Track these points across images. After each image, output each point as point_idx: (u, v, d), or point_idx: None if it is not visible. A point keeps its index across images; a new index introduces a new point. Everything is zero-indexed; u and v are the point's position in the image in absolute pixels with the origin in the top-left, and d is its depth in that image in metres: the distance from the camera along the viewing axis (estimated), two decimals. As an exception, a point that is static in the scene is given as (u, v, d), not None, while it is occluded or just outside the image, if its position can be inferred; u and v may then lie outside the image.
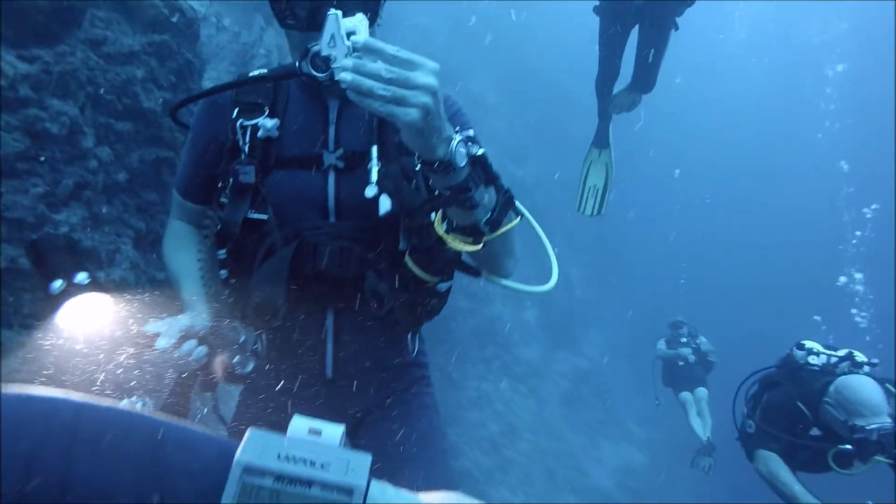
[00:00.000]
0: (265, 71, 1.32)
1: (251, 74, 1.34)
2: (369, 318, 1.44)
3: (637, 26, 4.15)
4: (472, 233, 1.23)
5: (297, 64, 1.19)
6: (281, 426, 1.43)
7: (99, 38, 2.51)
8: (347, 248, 1.38)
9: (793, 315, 14.93)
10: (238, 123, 1.41)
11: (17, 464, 0.44)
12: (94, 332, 1.16)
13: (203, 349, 1.30)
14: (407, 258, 1.37)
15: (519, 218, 1.34)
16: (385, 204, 1.33)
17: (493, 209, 1.23)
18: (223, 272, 1.45)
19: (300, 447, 0.54)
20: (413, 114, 1.02)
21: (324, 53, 1.10)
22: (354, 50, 1.04)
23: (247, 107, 1.43)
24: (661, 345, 7.96)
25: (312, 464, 0.53)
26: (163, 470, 0.48)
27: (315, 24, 1.31)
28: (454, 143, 1.12)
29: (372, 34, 1.19)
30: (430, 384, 1.67)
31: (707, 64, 22.53)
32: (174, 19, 2.87)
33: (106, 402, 0.49)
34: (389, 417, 1.54)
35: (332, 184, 1.40)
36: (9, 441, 0.45)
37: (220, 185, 1.43)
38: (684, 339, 7.83)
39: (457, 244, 1.24)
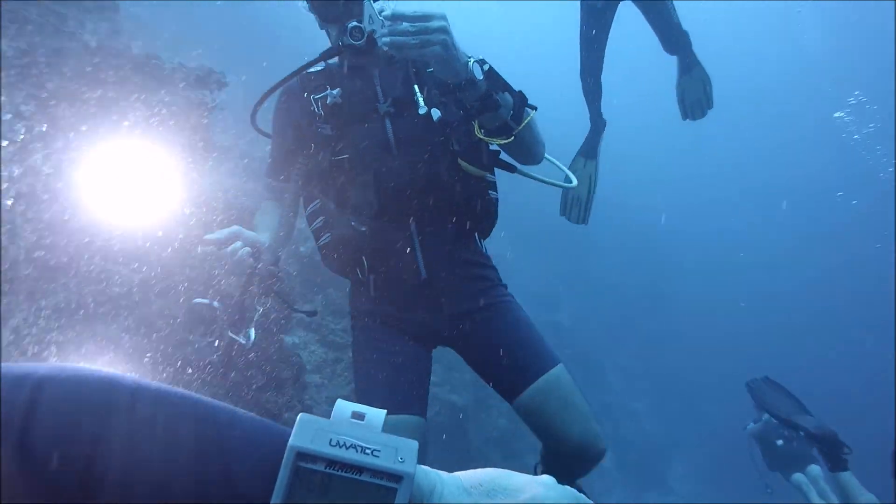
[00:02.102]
0: (317, 57, 1.82)
1: (305, 63, 1.85)
2: (444, 221, 1.84)
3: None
4: (504, 131, 1.69)
5: (339, 42, 1.72)
6: (396, 328, 1.91)
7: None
8: (414, 162, 1.79)
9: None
10: (312, 98, 1.87)
11: (82, 446, 0.45)
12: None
13: (247, 250, 1.62)
14: (460, 160, 1.81)
15: (535, 110, 1.73)
16: (436, 112, 1.76)
17: (513, 107, 1.67)
18: (319, 220, 1.89)
19: (350, 433, 0.56)
20: (437, 49, 1.49)
21: (367, 29, 1.67)
22: (386, 20, 1.50)
23: (313, 87, 1.89)
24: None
25: (363, 450, 0.55)
26: (218, 451, 0.49)
27: (346, 16, 1.75)
28: (470, 63, 1.57)
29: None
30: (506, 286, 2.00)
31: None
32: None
33: (155, 382, 0.51)
34: (489, 313, 1.87)
35: (389, 126, 1.83)
36: (72, 423, 0.45)
37: (305, 151, 1.88)
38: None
39: (495, 141, 1.71)
